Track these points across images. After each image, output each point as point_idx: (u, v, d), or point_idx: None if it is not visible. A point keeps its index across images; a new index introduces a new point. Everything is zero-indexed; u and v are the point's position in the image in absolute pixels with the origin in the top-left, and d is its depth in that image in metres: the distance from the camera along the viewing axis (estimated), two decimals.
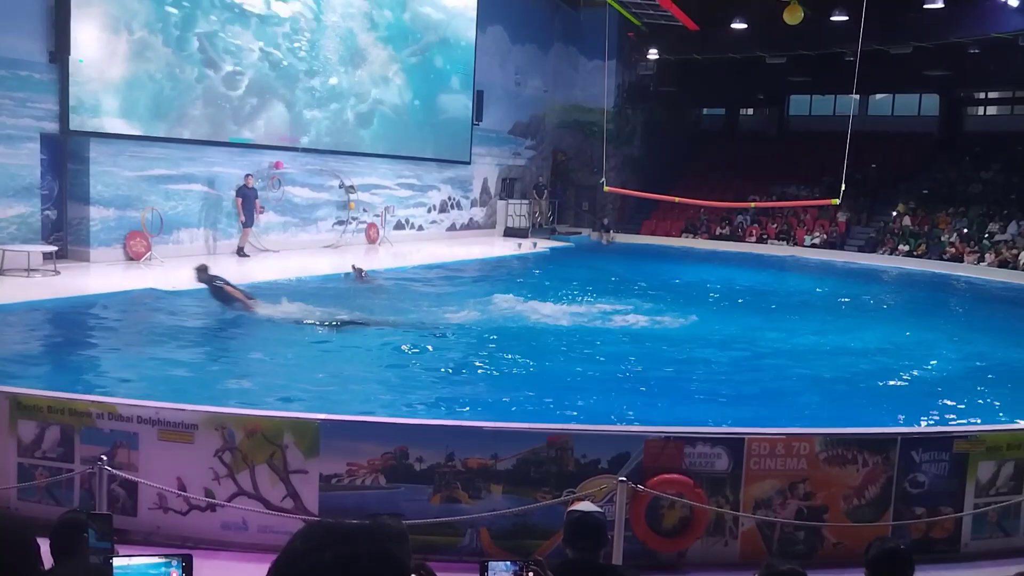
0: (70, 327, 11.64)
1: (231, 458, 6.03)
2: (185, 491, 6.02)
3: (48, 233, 15.80)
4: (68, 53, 15.50)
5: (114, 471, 5.75)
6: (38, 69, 15.36)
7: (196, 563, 5.73)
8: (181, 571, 2.50)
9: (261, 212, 19.13)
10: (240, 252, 18.52)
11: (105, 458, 5.73)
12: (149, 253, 16.79)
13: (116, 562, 2.35)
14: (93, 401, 6.34)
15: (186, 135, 17.96)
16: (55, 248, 14.99)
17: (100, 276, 14.64)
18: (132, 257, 16.62)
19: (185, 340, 11.12)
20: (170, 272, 15.22)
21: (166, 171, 17.62)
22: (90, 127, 16.16)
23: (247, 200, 18.39)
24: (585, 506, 3.89)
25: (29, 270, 14.19)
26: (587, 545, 3.55)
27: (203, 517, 6.07)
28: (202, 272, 12.11)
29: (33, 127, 15.38)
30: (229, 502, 6.00)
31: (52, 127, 15.68)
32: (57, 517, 3.53)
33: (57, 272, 14.44)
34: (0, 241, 14.50)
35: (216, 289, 11.99)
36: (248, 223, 18.55)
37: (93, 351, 10.50)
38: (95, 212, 16.32)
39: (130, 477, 5.92)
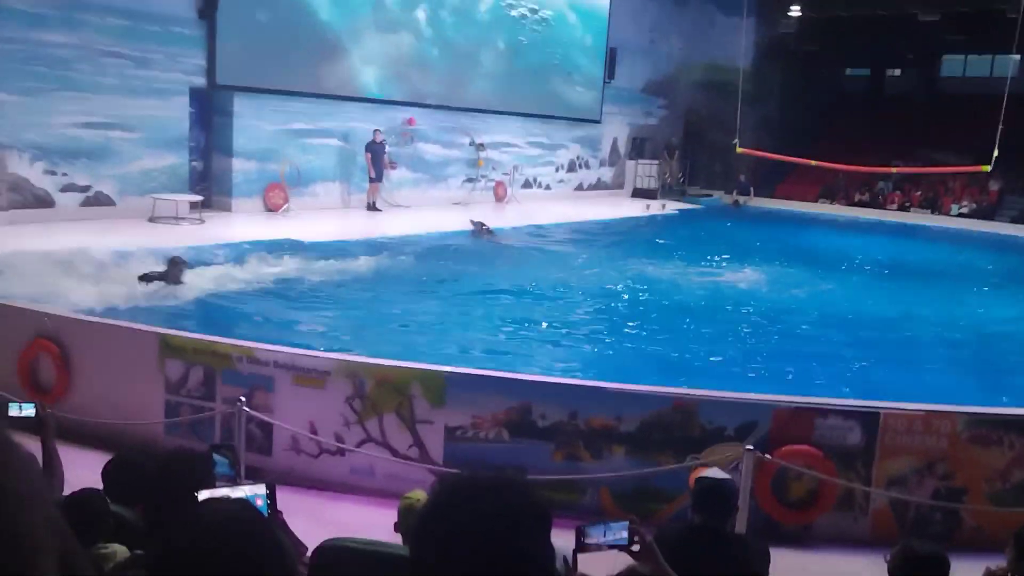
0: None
1: (360, 405, 6.21)
2: (316, 435, 6.25)
3: (194, 183, 16.54)
4: (216, 8, 16.07)
5: (252, 412, 6.00)
6: (188, 25, 15.99)
7: (325, 504, 5.98)
8: (266, 498, 2.57)
9: (392, 168, 19.45)
10: (371, 207, 18.93)
11: (244, 399, 5.99)
12: (286, 205, 17.39)
13: (203, 496, 2.42)
14: (233, 344, 6.63)
15: (323, 90, 18.40)
16: (201, 198, 15.69)
17: (242, 226, 15.26)
18: (270, 208, 17.24)
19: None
20: (307, 224, 15.74)
21: (304, 125, 18.12)
22: (235, 81, 16.75)
23: (376, 155, 18.71)
24: (715, 473, 3.81)
25: (177, 218, 14.91)
26: (717, 512, 3.48)
27: (333, 461, 6.30)
28: (176, 266, 10.86)
29: (183, 81, 16.06)
30: (358, 448, 6.19)
31: (200, 81, 16.35)
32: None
33: (202, 221, 15.13)
34: (152, 190, 15.28)
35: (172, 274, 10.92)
36: (377, 178, 18.90)
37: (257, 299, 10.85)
38: (237, 164, 16.98)
39: (266, 419, 6.18)
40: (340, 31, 18.63)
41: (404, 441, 6.15)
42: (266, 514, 2.53)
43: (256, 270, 11.90)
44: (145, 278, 10.47)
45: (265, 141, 17.35)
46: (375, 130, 18.83)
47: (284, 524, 3.45)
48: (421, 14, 20.53)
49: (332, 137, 18.75)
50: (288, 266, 12.37)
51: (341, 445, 6.23)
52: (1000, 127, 17.09)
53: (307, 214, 17.13)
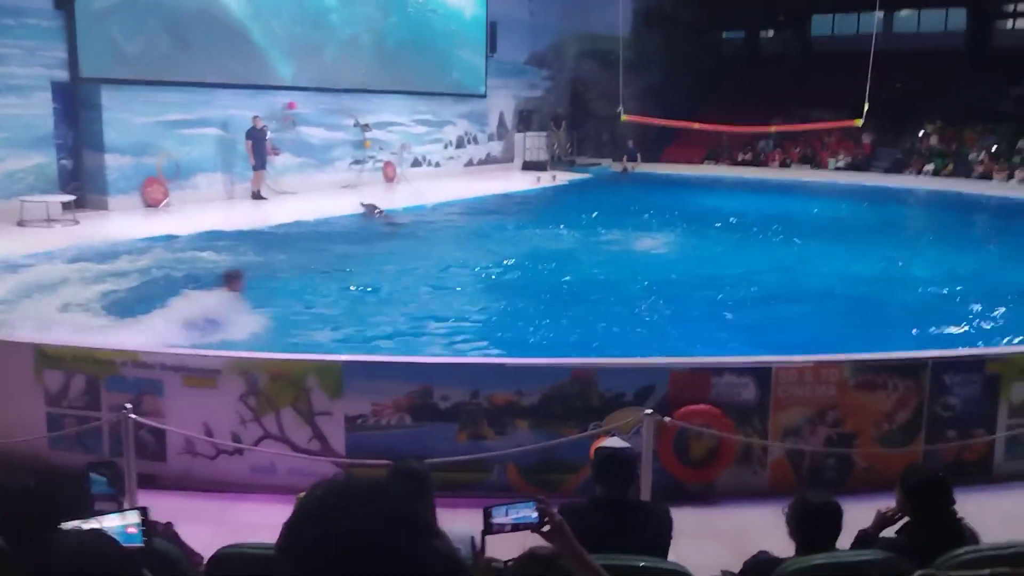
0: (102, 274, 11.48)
1: (256, 402, 6.02)
2: (212, 436, 6.04)
3: (66, 183, 15.75)
4: None
5: (139, 419, 5.74)
6: (44, 16, 15.15)
7: (227, 507, 5.80)
8: (140, 524, 2.40)
9: (276, 154, 18.96)
10: (255, 195, 18.43)
11: (130, 406, 5.72)
12: (167, 199, 16.75)
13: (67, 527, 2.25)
14: (115, 349, 6.34)
15: (197, 78, 17.73)
16: (73, 198, 14.95)
17: (120, 224, 14.63)
18: (150, 204, 16.58)
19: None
20: (189, 217, 15.20)
21: (180, 116, 17.45)
22: (101, 73, 15.97)
23: (257, 142, 18.20)
24: (613, 442, 3.83)
25: (49, 220, 14.18)
26: (616, 482, 3.50)
27: (232, 461, 6.10)
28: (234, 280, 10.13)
29: (43, 76, 15.23)
30: (256, 446, 6.01)
31: (62, 75, 15.53)
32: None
33: (76, 221, 14.44)
34: (18, 192, 14.49)
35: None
36: (259, 165, 18.39)
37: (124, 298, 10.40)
38: (111, 160, 16.24)
39: (154, 425, 5.93)
40: (211, 16, 17.96)
41: (304, 435, 6.00)
42: (141, 542, 2.36)
43: (131, 269, 11.41)
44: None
45: (139, 134, 16.64)
46: (254, 116, 18.29)
47: (175, 535, 3.31)
48: None
49: (210, 126, 18.13)
50: (167, 261, 11.92)
51: (238, 444, 6.04)
52: (868, 82, 17.72)
53: (189, 207, 16.57)
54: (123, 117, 16.39)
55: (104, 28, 15.87)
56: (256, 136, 18.18)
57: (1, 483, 3.43)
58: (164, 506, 5.58)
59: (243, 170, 18.52)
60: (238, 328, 8.87)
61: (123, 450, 5.77)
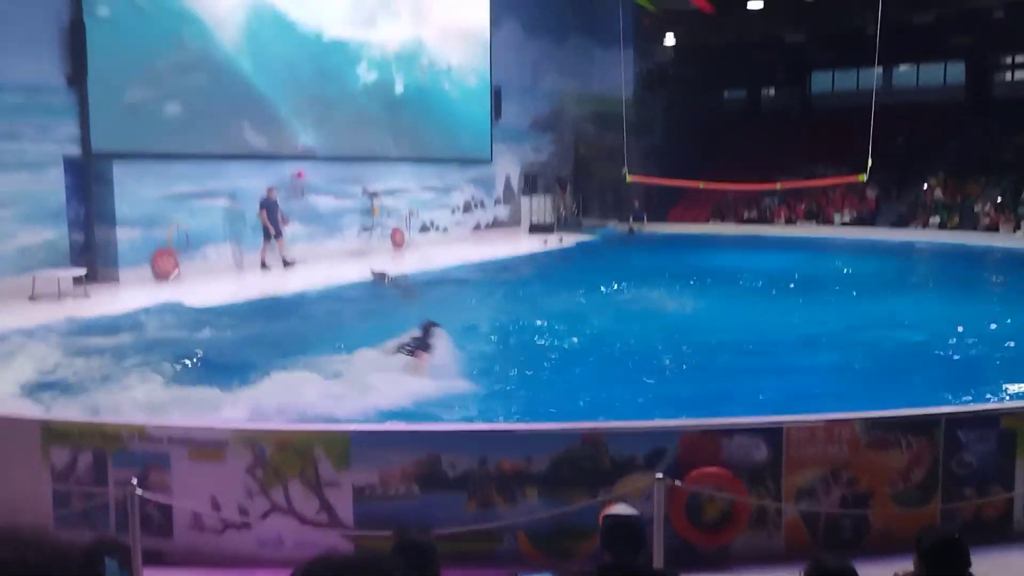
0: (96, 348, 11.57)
1: (263, 474, 5.98)
2: (219, 509, 5.98)
3: (77, 256, 15.90)
4: (85, 75, 15.57)
5: (144, 494, 5.70)
6: (57, 93, 15.46)
7: None
8: None
9: (285, 223, 19.15)
10: (284, 263, 18.63)
11: (135, 480, 5.68)
12: (177, 271, 16.87)
13: None
14: (122, 424, 6.32)
15: (207, 150, 18.00)
16: (84, 271, 15.07)
17: (130, 296, 14.70)
18: (160, 275, 16.70)
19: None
20: (200, 288, 15.29)
21: (189, 188, 17.67)
22: (112, 148, 16.23)
23: (271, 212, 18.43)
24: (620, 509, 3.78)
25: (60, 294, 14.27)
26: (625, 549, 3.44)
27: (239, 535, 6.03)
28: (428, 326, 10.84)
29: (56, 152, 15.48)
30: (263, 519, 5.95)
31: (74, 151, 15.78)
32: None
33: (87, 295, 14.53)
34: (29, 267, 14.61)
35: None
36: (276, 234, 18.62)
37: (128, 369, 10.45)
38: (122, 233, 16.41)
39: (160, 499, 5.88)
40: (220, 89, 18.30)
41: (311, 507, 5.94)
42: None
43: (141, 342, 11.45)
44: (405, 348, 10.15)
45: (149, 207, 16.84)
46: (268, 188, 18.57)
47: None
48: (303, 66, 20.35)
49: (219, 197, 18.34)
50: (178, 332, 11.95)
51: (246, 518, 5.97)
52: (870, 138, 17.89)
53: (199, 278, 16.66)
54: (134, 190, 16.62)
55: (116, 104, 16.16)
56: (270, 206, 18.45)
57: (2, 562, 3.39)
58: None
59: (252, 240, 18.68)
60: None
61: (128, 526, 5.72)
